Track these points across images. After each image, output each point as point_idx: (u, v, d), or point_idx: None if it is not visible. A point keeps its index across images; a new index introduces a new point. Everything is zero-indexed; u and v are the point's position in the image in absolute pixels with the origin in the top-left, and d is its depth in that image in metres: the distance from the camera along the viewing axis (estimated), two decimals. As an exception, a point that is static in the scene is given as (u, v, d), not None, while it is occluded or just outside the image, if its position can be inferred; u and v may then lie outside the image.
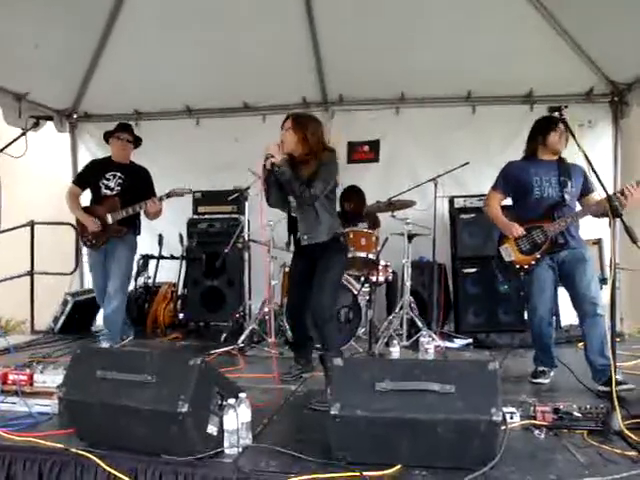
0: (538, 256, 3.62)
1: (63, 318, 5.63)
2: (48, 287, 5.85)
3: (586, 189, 3.66)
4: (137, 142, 4.85)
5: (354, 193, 5.73)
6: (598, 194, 3.55)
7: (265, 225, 4.72)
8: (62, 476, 2.38)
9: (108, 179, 4.65)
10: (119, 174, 4.66)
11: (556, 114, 3.29)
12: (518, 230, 3.66)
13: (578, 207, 3.66)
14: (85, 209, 4.69)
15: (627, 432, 2.53)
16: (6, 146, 3.42)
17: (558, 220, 3.54)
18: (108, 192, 4.63)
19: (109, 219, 4.54)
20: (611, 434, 2.55)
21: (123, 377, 2.41)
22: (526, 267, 3.66)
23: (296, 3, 5.28)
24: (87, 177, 4.77)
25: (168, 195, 4.58)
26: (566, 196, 3.57)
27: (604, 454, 2.39)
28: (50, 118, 4.27)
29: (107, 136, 4.80)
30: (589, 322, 3.43)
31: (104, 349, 4.23)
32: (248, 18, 5.27)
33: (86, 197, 4.91)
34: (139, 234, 4.85)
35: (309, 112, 5.80)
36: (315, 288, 3.47)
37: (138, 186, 4.66)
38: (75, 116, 6.62)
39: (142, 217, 4.83)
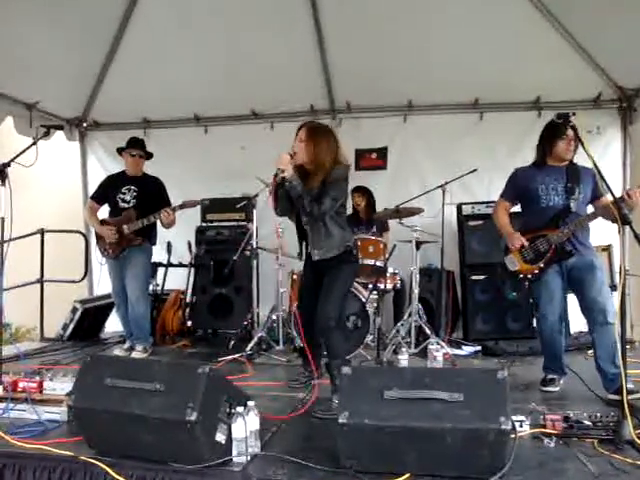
0: (542, 265, 3.59)
1: (72, 325, 5.66)
2: (57, 295, 5.88)
3: (597, 193, 3.59)
4: (149, 156, 5.04)
5: (364, 192, 5.75)
6: (606, 198, 3.48)
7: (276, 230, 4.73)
8: (71, 484, 2.39)
9: (124, 193, 4.87)
10: (133, 187, 4.87)
11: (566, 120, 3.26)
12: (517, 242, 3.65)
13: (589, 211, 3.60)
14: (102, 221, 4.92)
15: (638, 441, 2.51)
16: (17, 155, 3.44)
17: (562, 228, 3.51)
18: (125, 205, 4.84)
19: (126, 230, 4.74)
20: (622, 443, 2.53)
21: (132, 385, 2.41)
22: (530, 276, 3.64)
23: (303, 11, 5.30)
24: (104, 193, 5.00)
25: (181, 207, 4.73)
26: (572, 204, 3.52)
27: (615, 463, 2.37)
28: (60, 127, 4.28)
29: (120, 151, 5.02)
30: (599, 330, 3.40)
31: (113, 357, 4.26)
32: (256, 27, 5.30)
33: (104, 211, 5.11)
34: (154, 244, 5.04)
35: (321, 120, 5.86)
36: (322, 297, 3.44)
37: (152, 197, 4.83)
38: (85, 125, 6.68)
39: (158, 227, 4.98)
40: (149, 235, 4.91)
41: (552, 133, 3.58)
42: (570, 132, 3.45)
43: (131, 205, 4.83)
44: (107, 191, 4.98)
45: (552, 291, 3.61)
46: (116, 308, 5.16)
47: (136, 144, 4.96)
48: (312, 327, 3.65)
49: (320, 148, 3.42)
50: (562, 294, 3.66)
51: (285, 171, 3.33)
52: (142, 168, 5.01)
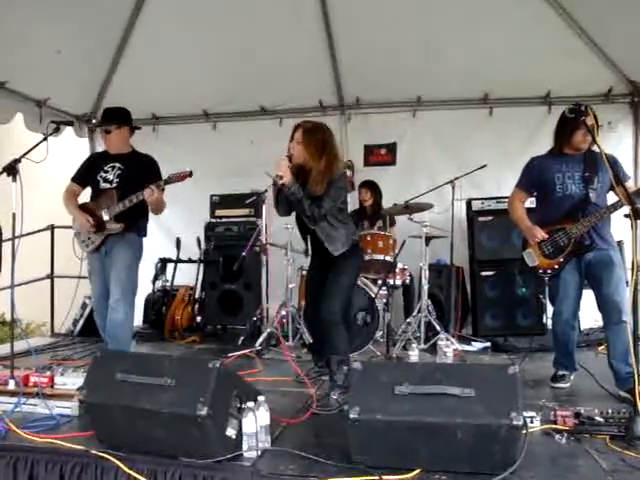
0: (562, 260, 3.53)
1: (82, 321, 5.70)
2: (68, 290, 5.91)
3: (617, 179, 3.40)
4: (121, 124, 4.07)
5: (371, 187, 5.74)
6: (629, 185, 3.38)
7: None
8: (83, 477, 2.40)
9: (107, 171, 4.03)
10: (118, 165, 4.03)
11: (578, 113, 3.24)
12: (537, 235, 3.57)
13: (609, 201, 3.49)
14: (81, 206, 4.08)
15: (651, 438, 2.49)
16: (28, 151, 3.45)
17: (582, 220, 3.43)
18: (107, 185, 3.99)
19: (104, 215, 3.90)
20: (634, 440, 2.51)
21: (143, 380, 2.43)
22: (550, 272, 3.59)
23: (312, 7, 5.29)
24: (86, 172, 4.17)
25: (167, 181, 3.87)
26: (591, 194, 3.43)
27: (627, 460, 2.35)
28: (71, 123, 4.25)
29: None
30: (614, 328, 3.35)
31: (123, 352, 4.23)
32: (264, 22, 5.29)
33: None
34: (145, 235, 4.18)
35: (324, 116, 5.88)
36: (326, 291, 3.42)
37: (140, 176, 3.89)
38: (94, 121, 6.68)
39: (151, 217, 4.19)
40: (136, 224, 4.03)
41: (570, 123, 3.45)
42: (590, 122, 3.32)
43: (114, 185, 3.96)
44: (89, 171, 4.15)
45: (568, 288, 3.54)
46: (96, 313, 4.23)
47: (105, 118, 4.15)
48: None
49: (316, 150, 3.40)
50: (578, 291, 3.58)
51: (284, 177, 3.31)
52: (121, 143, 4.10)
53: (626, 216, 2.97)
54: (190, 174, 3.91)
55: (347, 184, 3.61)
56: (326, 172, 3.39)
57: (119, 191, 3.90)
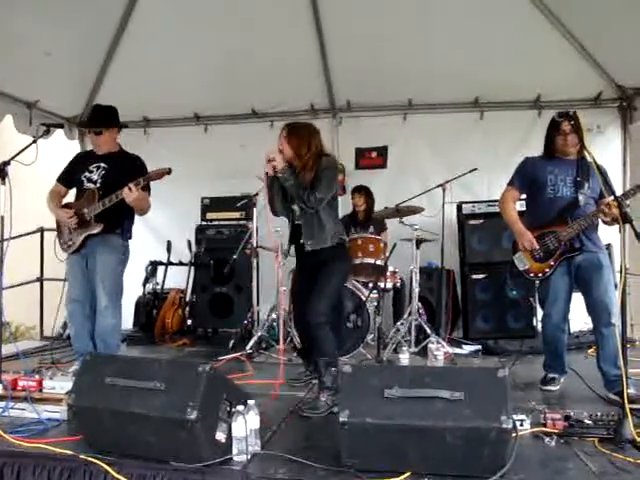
0: (552, 263, 3.55)
1: (72, 324, 5.65)
2: (57, 293, 5.87)
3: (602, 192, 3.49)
4: (112, 125, 4.00)
5: (364, 193, 5.72)
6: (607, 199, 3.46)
7: (272, 231, 4.71)
8: (71, 482, 2.39)
9: (91, 171, 3.93)
10: (103, 164, 3.93)
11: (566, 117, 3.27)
12: (529, 245, 3.57)
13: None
14: (64, 206, 4.00)
15: (639, 440, 2.50)
16: (17, 154, 3.42)
17: (571, 224, 3.46)
18: (90, 185, 3.89)
19: (86, 214, 3.80)
20: (623, 442, 2.52)
21: (132, 384, 2.41)
22: (540, 275, 3.61)
23: (304, 10, 5.30)
24: (71, 173, 4.07)
25: (145, 179, 3.69)
26: (580, 197, 3.48)
27: (616, 462, 2.37)
28: (61, 126, 4.20)
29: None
30: (603, 331, 3.38)
31: (113, 355, 4.19)
32: (256, 25, 5.29)
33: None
34: (130, 238, 4.05)
35: (315, 119, 5.86)
36: (314, 294, 3.40)
37: (125, 176, 3.71)
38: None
39: (142, 219, 4.21)
40: (118, 225, 3.91)
41: (557, 126, 3.53)
42: (565, 127, 3.42)
43: (98, 186, 3.85)
44: (73, 171, 4.05)
45: (558, 291, 3.57)
46: (69, 317, 4.12)
47: (96, 118, 4.01)
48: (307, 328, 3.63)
49: (302, 142, 3.45)
50: (568, 294, 3.61)
51: (276, 160, 3.35)
52: (109, 143, 3.99)
53: (614, 220, 3.00)
54: (169, 171, 3.74)
55: (337, 176, 3.61)
56: (313, 163, 3.43)
57: (101, 191, 3.80)
